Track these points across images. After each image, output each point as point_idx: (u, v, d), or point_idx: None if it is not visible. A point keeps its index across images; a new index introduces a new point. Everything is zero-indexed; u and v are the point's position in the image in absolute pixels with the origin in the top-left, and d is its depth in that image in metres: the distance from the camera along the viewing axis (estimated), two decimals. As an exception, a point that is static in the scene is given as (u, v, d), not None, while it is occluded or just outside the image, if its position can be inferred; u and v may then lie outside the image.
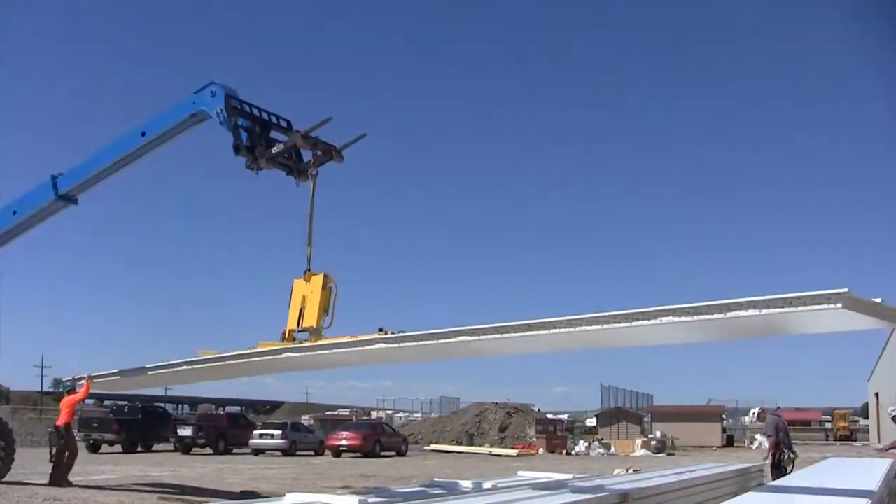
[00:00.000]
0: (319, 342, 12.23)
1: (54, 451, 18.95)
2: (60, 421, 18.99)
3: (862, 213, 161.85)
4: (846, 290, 7.98)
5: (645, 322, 9.22)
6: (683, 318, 8.93)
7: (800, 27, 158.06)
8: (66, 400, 19.16)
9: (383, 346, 11.47)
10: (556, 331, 9.98)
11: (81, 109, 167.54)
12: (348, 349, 11.95)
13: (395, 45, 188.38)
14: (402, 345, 11.29)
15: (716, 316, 8.74)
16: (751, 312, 8.52)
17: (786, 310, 8.29)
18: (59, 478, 18.52)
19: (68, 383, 19.33)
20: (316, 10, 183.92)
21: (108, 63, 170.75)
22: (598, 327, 9.62)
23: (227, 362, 13.38)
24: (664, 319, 9.07)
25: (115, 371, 15.68)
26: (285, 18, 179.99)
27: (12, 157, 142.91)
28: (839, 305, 7.94)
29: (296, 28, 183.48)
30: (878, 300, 8.51)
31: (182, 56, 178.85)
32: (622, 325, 9.46)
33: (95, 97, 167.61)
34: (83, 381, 18.11)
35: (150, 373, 14.72)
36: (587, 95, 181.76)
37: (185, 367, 14.18)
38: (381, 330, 11.67)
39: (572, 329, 9.84)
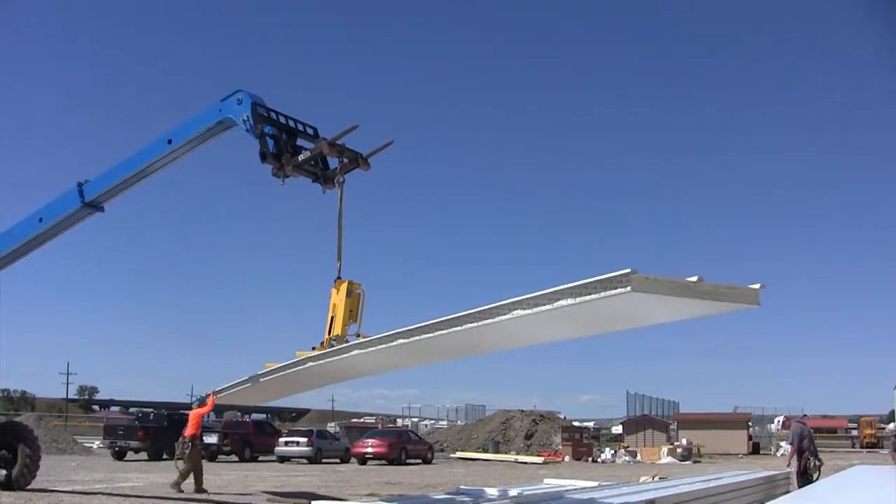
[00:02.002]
0: (299, 357, 12.45)
1: (177, 460, 19.97)
2: (187, 432, 19.89)
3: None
4: (629, 270, 7.72)
5: (502, 317, 9.09)
6: (527, 311, 8.81)
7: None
8: (193, 412, 20.23)
9: (359, 352, 11.44)
10: (422, 336, 10.11)
11: (97, 115, 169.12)
12: (329, 359, 11.94)
13: (421, 52, 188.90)
14: (374, 348, 11.20)
15: (546, 307, 8.60)
16: (569, 301, 8.40)
17: (592, 297, 8.11)
18: (198, 485, 19.80)
19: (198, 397, 20.73)
20: (343, 18, 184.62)
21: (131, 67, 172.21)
22: (460, 328, 9.59)
23: (295, 369, 13.17)
24: (515, 313, 8.95)
25: (244, 378, 15.51)
26: (313, 26, 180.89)
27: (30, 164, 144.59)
28: (628, 288, 7.74)
29: (324, 36, 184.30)
30: (695, 279, 8.13)
31: (204, 62, 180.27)
32: (476, 324, 9.38)
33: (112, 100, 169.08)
34: (209, 396, 18.74)
35: (262, 379, 14.43)
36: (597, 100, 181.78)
37: (282, 374, 13.69)
38: (359, 335, 11.70)
39: (443, 331, 9.85)
